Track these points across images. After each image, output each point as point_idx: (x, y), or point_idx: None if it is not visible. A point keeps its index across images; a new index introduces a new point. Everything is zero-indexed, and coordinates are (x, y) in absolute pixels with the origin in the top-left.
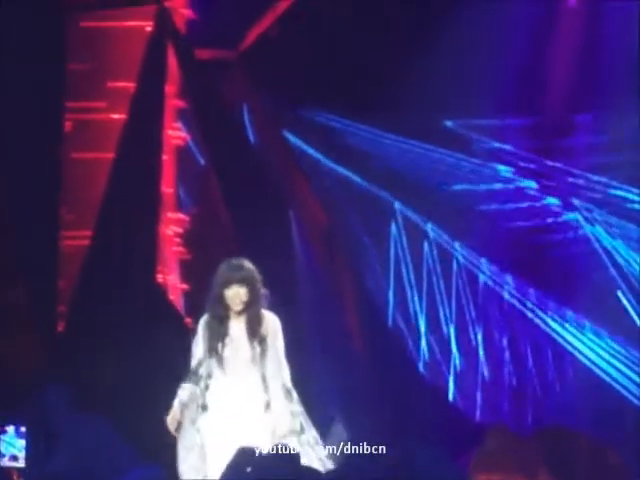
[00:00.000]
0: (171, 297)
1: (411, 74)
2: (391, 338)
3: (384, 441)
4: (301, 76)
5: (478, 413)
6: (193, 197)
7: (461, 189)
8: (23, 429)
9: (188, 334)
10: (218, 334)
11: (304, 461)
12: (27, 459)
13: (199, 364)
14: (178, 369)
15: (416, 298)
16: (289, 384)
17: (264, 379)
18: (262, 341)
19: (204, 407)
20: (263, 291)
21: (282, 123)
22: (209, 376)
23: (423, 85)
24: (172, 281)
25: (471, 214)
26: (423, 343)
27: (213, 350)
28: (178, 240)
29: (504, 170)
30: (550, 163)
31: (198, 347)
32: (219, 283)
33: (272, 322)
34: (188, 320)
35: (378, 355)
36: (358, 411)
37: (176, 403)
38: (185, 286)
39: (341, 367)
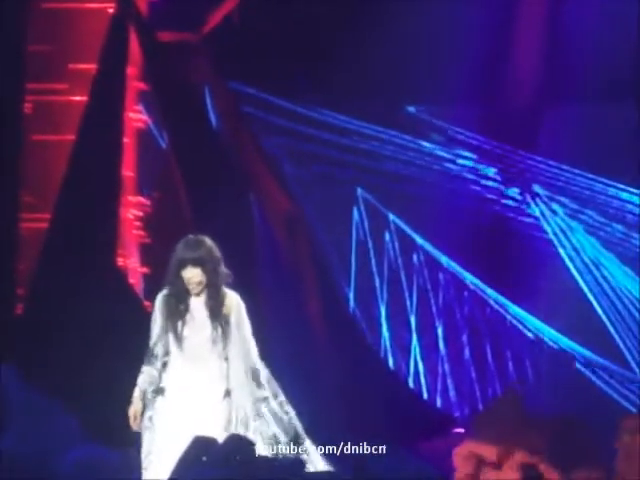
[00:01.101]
0: (131, 280)
1: (375, 60)
2: (352, 325)
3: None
4: (263, 61)
5: (439, 401)
6: (153, 180)
7: (422, 177)
8: None
9: (147, 317)
10: (177, 311)
11: (275, 430)
12: None
13: (156, 343)
14: (136, 353)
15: (377, 285)
16: (257, 365)
17: (226, 362)
18: (225, 322)
19: (159, 390)
20: (224, 270)
21: (242, 105)
22: (166, 355)
23: (387, 71)
24: (132, 264)
25: (433, 205)
26: (384, 331)
27: (171, 329)
28: (138, 224)
29: (465, 157)
30: (511, 151)
31: (155, 324)
32: (175, 263)
33: (235, 301)
34: (147, 304)
35: (338, 342)
36: (317, 400)
37: (136, 393)
38: (145, 269)
39: (300, 354)
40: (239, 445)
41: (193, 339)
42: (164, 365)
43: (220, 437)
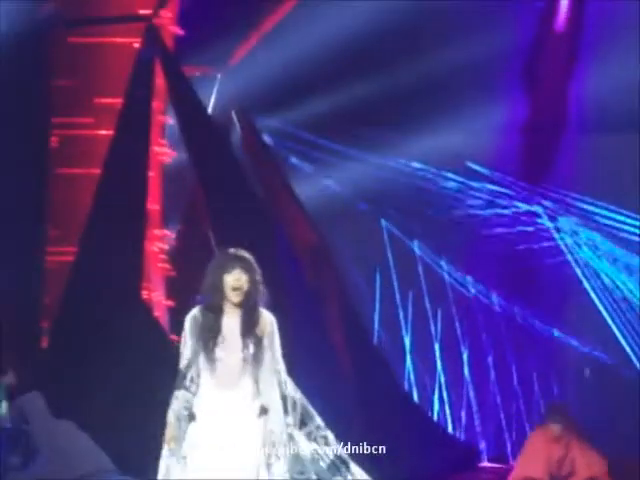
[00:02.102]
0: (156, 313)
1: (405, 94)
2: (376, 355)
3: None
4: (288, 94)
5: (462, 434)
6: (179, 214)
7: (446, 205)
8: None
9: (173, 350)
10: (210, 330)
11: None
12: (1, 465)
13: (188, 366)
14: (163, 384)
15: (401, 315)
16: (287, 391)
17: (257, 385)
18: (257, 342)
19: (191, 416)
20: (262, 289)
21: (264, 136)
22: (198, 378)
23: (409, 101)
24: (157, 297)
25: (455, 230)
26: (408, 361)
27: (204, 349)
28: (163, 257)
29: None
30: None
31: (186, 347)
32: (219, 266)
33: (269, 321)
34: (173, 337)
35: (362, 373)
36: (341, 432)
37: (171, 418)
38: (170, 302)
39: (324, 382)
40: None
41: (225, 360)
42: (195, 391)
43: (257, 456)
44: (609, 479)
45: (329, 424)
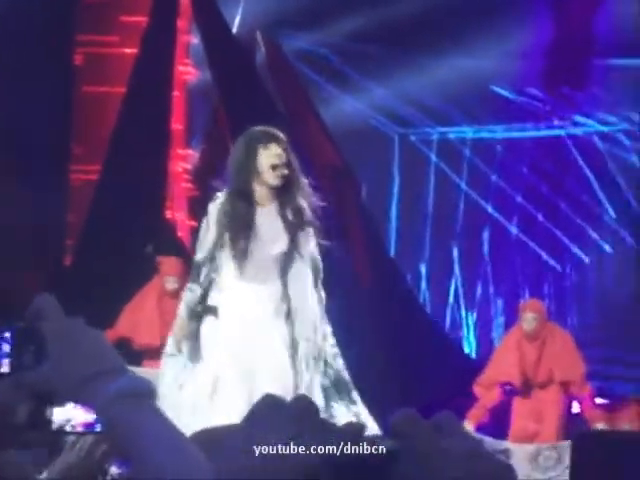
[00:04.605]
0: (180, 233)
1: (435, 17)
2: (395, 272)
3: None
4: (313, 14)
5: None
6: (202, 133)
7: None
8: (7, 334)
9: None
10: (241, 220)
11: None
12: (12, 364)
13: (206, 258)
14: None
15: (417, 230)
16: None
17: (285, 287)
18: (294, 239)
19: (209, 309)
20: (302, 180)
21: (292, 58)
22: (216, 271)
23: (432, 23)
24: (181, 217)
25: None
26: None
27: (232, 242)
28: (187, 176)
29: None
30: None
31: (207, 236)
32: (253, 139)
33: (308, 215)
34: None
35: (382, 290)
36: (360, 352)
37: (183, 312)
38: (194, 223)
39: (345, 299)
40: (307, 408)
41: (256, 255)
42: (210, 283)
43: (283, 361)
44: (585, 383)
45: (349, 342)
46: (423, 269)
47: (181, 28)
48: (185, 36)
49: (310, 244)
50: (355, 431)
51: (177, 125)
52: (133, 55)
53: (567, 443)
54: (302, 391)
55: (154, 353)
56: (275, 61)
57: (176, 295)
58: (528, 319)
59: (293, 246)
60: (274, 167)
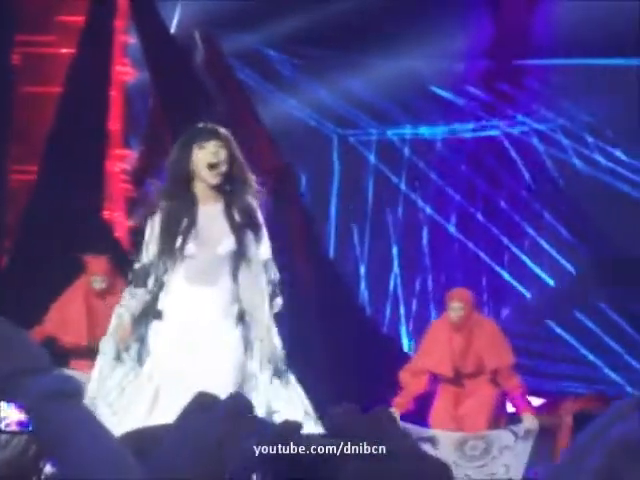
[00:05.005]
0: (117, 234)
1: (370, 18)
2: (333, 269)
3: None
4: (251, 14)
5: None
6: (141, 133)
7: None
8: None
9: None
10: (180, 222)
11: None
12: None
13: (153, 262)
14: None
15: (356, 230)
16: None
17: (236, 287)
18: (241, 237)
19: (155, 313)
20: (248, 172)
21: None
22: (164, 275)
23: (383, 25)
24: (118, 218)
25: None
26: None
27: (172, 244)
28: (124, 177)
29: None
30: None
31: (152, 239)
32: (188, 139)
33: (255, 214)
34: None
35: (321, 285)
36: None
37: (125, 315)
38: (131, 223)
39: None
40: (240, 406)
41: (200, 257)
42: (161, 287)
43: (235, 366)
44: (513, 373)
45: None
46: (362, 269)
47: (119, 28)
48: (123, 36)
49: (261, 244)
50: (292, 429)
51: (115, 125)
52: (70, 55)
53: (495, 433)
54: (258, 393)
55: (81, 353)
56: (213, 61)
57: (103, 295)
58: (455, 308)
59: (242, 247)
60: (211, 166)
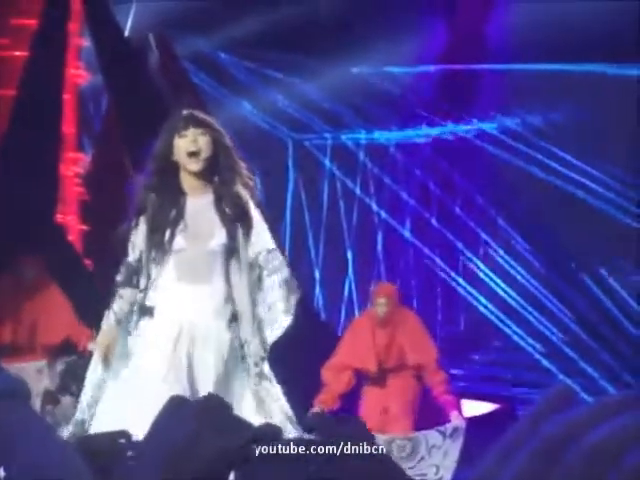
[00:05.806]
0: (70, 237)
1: (324, 22)
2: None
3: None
4: (206, 17)
5: None
6: (94, 137)
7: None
8: None
9: (87, 274)
10: (166, 215)
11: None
12: None
13: (140, 259)
14: (77, 309)
15: (310, 235)
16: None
17: (228, 285)
18: (232, 230)
19: (145, 310)
20: (237, 158)
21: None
22: (152, 272)
23: (332, 32)
24: (72, 221)
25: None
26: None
27: (159, 239)
28: (78, 180)
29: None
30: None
31: (138, 234)
32: (169, 128)
33: (249, 206)
34: (87, 262)
35: None
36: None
37: (111, 319)
38: (84, 227)
39: None
40: (211, 406)
41: (189, 252)
42: (148, 285)
43: (221, 366)
44: (438, 369)
45: None
46: (317, 273)
47: (72, 31)
48: (76, 39)
49: (251, 238)
50: (273, 432)
51: (68, 128)
52: (24, 58)
53: (422, 435)
54: (246, 397)
55: (6, 350)
56: (168, 64)
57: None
58: (380, 303)
59: (233, 241)
60: (190, 154)
